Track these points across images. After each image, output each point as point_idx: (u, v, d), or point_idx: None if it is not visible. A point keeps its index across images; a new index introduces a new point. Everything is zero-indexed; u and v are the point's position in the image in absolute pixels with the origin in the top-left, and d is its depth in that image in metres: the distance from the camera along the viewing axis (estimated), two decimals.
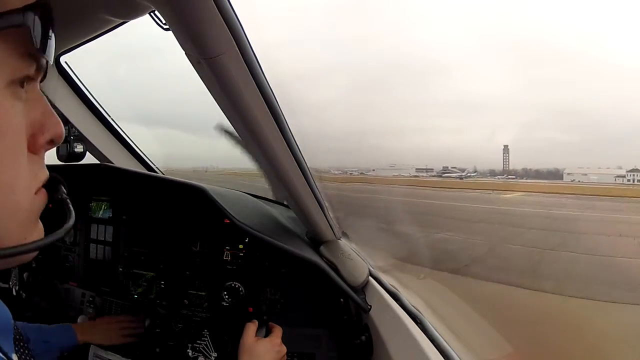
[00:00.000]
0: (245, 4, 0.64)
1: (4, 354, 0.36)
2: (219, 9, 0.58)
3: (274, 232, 1.14)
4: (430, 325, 1.06)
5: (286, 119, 0.83)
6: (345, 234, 1.36)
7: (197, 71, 0.71)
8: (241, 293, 1.21)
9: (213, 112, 0.86)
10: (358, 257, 1.25)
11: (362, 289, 1.22)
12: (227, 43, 0.63)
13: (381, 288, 1.19)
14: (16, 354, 0.40)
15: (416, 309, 1.13)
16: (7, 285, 1.47)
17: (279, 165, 0.93)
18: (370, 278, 1.23)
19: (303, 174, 0.97)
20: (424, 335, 1.01)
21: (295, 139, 0.90)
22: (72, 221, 0.40)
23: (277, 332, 1.05)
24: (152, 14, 0.79)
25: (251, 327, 1.01)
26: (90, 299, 1.39)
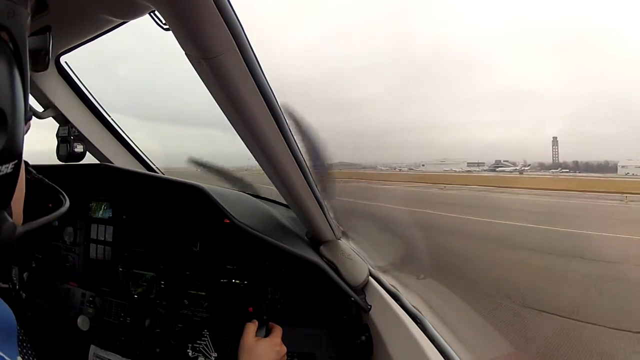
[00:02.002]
0: (245, 4, 0.64)
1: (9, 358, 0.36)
2: (219, 9, 0.58)
3: (274, 232, 1.14)
4: (430, 325, 1.06)
5: (286, 119, 0.83)
6: (345, 234, 1.36)
7: (197, 71, 0.71)
8: (242, 286, 1.21)
9: None
10: (358, 257, 1.25)
11: (362, 289, 1.22)
12: (227, 43, 0.63)
13: (381, 288, 1.19)
14: (20, 355, 0.40)
15: (416, 309, 1.13)
16: (7, 286, 1.47)
17: (279, 165, 0.93)
18: (370, 278, 1.23)
19: (303, 174, 0.97)
20: (424, 335, 1.01)
21: (295, 139, 0.90)
22: (67, 205, 0.40)
23: (277, 332, 1.05)
24: (152, 14, 0.79)
25: (251, 327, 1.01)
26: (90, 299, 1.38)
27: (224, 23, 0.60)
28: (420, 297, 1.25)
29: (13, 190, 0.37)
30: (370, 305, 1.16)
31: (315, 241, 1.28)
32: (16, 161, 0.36)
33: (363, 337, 1.12)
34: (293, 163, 0.92)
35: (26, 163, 0.41)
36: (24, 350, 0.42)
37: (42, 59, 0.42)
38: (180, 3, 0.57)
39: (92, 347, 1.33)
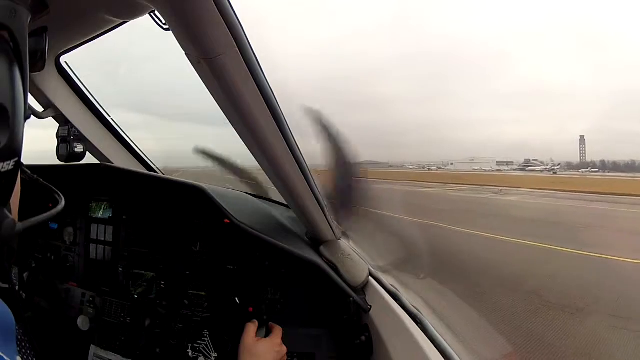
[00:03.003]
0: (245, 4, 0.64)
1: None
2: (219, 9, 0.58)
3: (274, 232, 1.14)
4: (430, 325, 1.06)
5: (286, 119, 0.83)
6: (345, 234, 1.36)
7: (197, 71, 0.71)
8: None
9: None
10: (358, 257, 1.25)
11: (362, 289, 1.22)
12: (227, 43, 0.63)
13: (381, 288, 1.19)
14: (19, 355, 0.40)
15: (416, 309, 1.13)
16: (7, 286, 1.47)
17: (279, 165, 0.93)
18: (370, 278, 1.23)
19: (303, 174, 0.97)
20: (424, 335, 1.01)
21: (295, 139, 0.90)
22: (62, 203, 0.41)
23: (277, 332, 1.05)
24: (152, 14, 0.79)
25: (251, 327, 1.01)
26: (90, 299, 1.38)
27: (224, 23, 0.60)
28: (421, 297, 1.25)
29: (13, 188, 0.37)
30: (370, 305, 1.15)
31: (315, 241, 1.28)
32: (17, 159, 0.36)
33: (363, 337, 1.12)
34: (293, 163, 0.92)
35: (21, 164, 0.41)
36: (23, 350, 0.42)
37: (39, 60, 0.42)
38: (180, 3, 0.57)
39: (92, 347, 1.33)
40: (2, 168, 0.34)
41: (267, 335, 1.04)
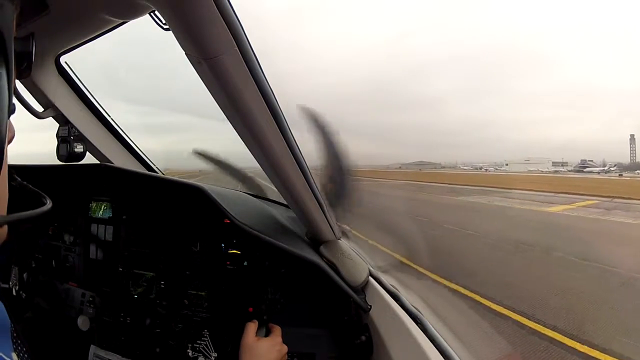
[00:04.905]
0: (245, 4, 0.64)
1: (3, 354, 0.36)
2: (219, 9, 0.58)
3: (274, 232, 1.14)
4: (430, 325, 1.06)
5: (286, 119, 0.83)
6: (345, 234, 1.36)
7: (197, 71, 0.71)
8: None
9: None
10: (358, 257, 1.25)
11: (362, 289, 1.22)
12: (227, 43, 0.63)
13: (381, 288, 1.19)
14: (15, 352, 0.40)
15: (416, 309, 1.13)
16: (7, 285, 1.47)
17: (279, 165, 0.93)
18: (371, 278, 1.23)
19: (303, 174, 0.97)
20: (424, 335, 1.01)
21: (295, 139, 0.90)
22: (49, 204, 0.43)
23: (277, 331, 1.05)
24: (152, 14, 0.79)
25: (252, 327, 1.02)
26: (90, 299, 1.38)
27: (224, 23, 0.60)
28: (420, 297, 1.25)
29: None
30: (370, 305, 1.16)
31: (315, 241, 1.28)
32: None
33: (363, 337, 1.12)
34: (293, 163, 0.92)
35: (10, 170, 0.41)
36: (19, 347, 0.42)
37: (26, 66, 0.42)
38: (180, 3, 0.57)
39: (92, 347, 1.33)
40: None
41: (267, 335, 1.05)
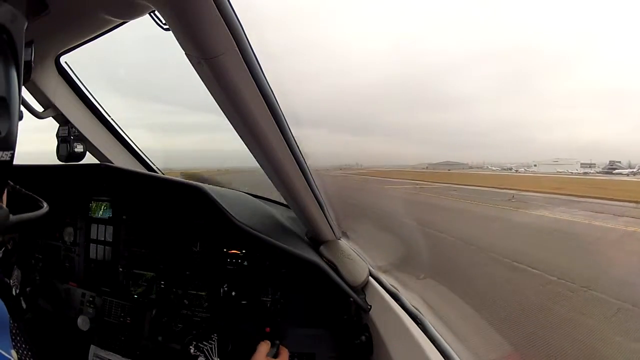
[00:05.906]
0: (245, 4, 0.64)
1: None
2: (219, 9, 0.58)
3: (274, 232, 1.14)
4: (430, 325, 1.06)
5: (286, 119, 0.83)
6: (345, 234, 1.36)
7: (197, 71, 0.71)
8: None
9: None
10: (358, 257, 1.25)
11: (362, 289, 1.22)
12: (227, 43, 0.63)
13: (381, 288, 1.19)
14: (14, 349, 0.40)
15: (416, 309, 1.13)
16: (7, 282, 1.47)
17: (279, 165, 0.93)
18: (371, 278, 1.23)
19: (303, 174, 0.97)
20: (424, 335, 1.01)
21: (296, 139, 0.90)
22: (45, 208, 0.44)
23: (285, 354, 1.08)
24: (152, 14, 0.79)
25: (264, 347, 1.04)
26: (90, 299, 1.38)
27: (224, 23, 0.60)
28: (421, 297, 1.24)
29: (7, 179, 0.38)
30: (370, 305, 1.15)
31: (315, 241, 1.28)
32: (12, 151, 0.38)
33: (363, 337, 1.12)
34: (293, 163, 0.92)
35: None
36: (18, 345, 0.42)
37: (26, 71, 0.44)
38: (180, 3, 0.57)
39: (92, 347, 1.33)
40: (2, 157, 0.36)
41: (275, 356, 1.06)
